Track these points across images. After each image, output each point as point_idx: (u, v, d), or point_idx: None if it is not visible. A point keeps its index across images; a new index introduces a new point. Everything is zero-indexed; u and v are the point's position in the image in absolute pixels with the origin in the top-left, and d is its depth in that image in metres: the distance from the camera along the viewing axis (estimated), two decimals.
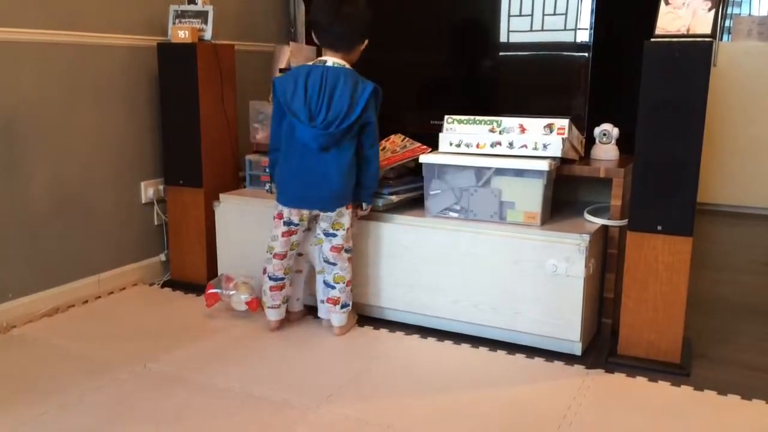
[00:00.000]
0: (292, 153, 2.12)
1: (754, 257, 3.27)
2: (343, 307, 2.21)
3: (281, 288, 2.23)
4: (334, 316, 2.22)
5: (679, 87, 1.86)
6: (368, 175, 2.17)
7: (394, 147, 2.41)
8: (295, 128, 2.08)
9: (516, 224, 2.14)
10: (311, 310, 2.34)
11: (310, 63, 2.16)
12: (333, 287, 2.20)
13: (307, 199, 2.15)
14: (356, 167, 2.14)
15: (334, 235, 2.16)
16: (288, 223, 2.18)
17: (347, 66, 2.13)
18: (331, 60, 2.12)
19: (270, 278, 2.22)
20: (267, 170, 2.38)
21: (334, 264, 2.18)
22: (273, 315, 2.26)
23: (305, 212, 2.17)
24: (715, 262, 3.16)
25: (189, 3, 2.68)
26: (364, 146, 2.14)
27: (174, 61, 2.61)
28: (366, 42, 2.18)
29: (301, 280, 2.33)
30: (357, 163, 2.14)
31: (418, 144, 2.36)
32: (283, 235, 2.18)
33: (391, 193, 2.29)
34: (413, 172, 2.38)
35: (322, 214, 2.16)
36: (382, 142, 2.48)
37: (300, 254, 2.29)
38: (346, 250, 2.19)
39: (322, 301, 2.26)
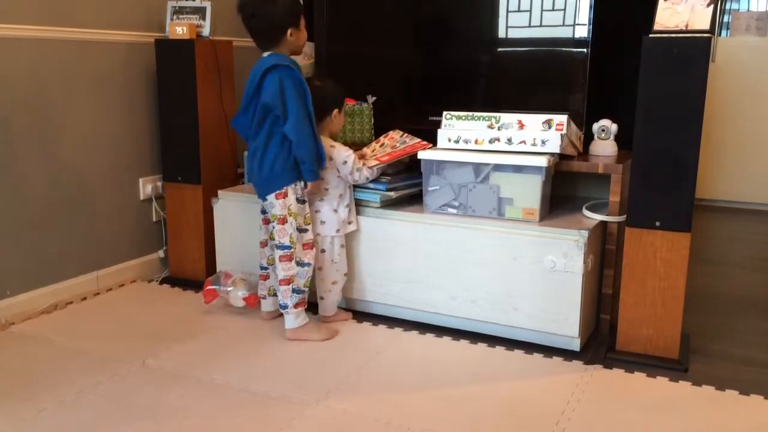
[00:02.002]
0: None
1: (752, 253, 3.28)
2: (280, 306, 2.16)
3: (266, 278, 2.30)
4: (285, 316, 2.18)
5: (678, 83, 1.86)
6: (295, 151, 2.09)
7: (393, 143, 2.40)
8: None
9: (514, 220, 2.14)
10: (312, 307, 2.33)
11: None
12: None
13: (254, 186, 2.21)
14: (279, 151, 2.09)
15: (273, 227, 2.15)
16: (261, 212, 2.26)
17: (273, 53, 2.10)
18: (266, 53, 2.13)
19: (259, 267, 2.31)
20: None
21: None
22: (261, 305, 2.32)
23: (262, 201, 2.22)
24: (712, 257, 3.16)
25: None
26: (283, 126, 2.08)
27: (172, 58, 2.60)
28: (290, 32, 2.09)
29: None
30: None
31: (418, 140, 2.36)
32: (262, 223, 2.27)
33: (390, 189, 2.29)
34: (412, 168, 2.38)
35: (265, 204, 2.18)
36: (381, 138, 2.47)
37: None
38: (278, 246, 2.13)
39: (321, 297, 2.29)
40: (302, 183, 2.14)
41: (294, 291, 2.14)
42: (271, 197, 2.12)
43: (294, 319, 2.15)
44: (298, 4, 2.14)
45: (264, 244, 2.28)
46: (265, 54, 2.11)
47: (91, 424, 1.67)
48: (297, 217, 2.13)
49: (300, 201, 2.14)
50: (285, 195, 2.11)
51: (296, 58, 2.18)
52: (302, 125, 2.06)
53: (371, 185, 2.28)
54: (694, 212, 1.94)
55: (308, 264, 2.18)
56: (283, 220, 2.11)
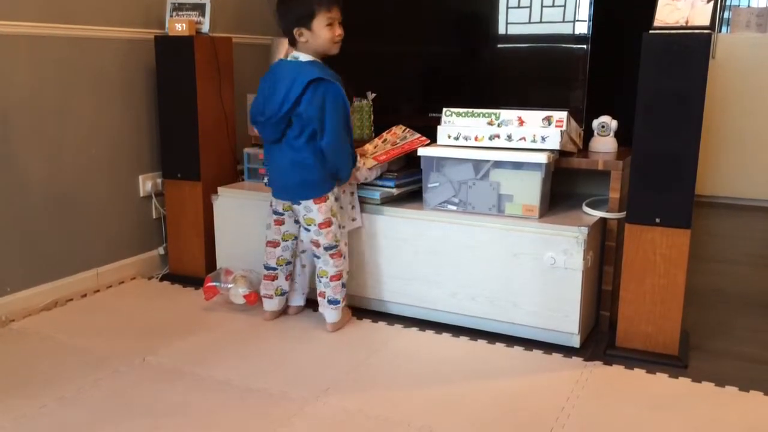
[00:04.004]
0: (265, 146, 2.22)
1: (752, 249, 3.28)
2: (330, 302, 2.19)
3: (273, 278, 2.27)
4: (325, 311, 2.21)
5: (678, 79, 1.85)
6: (330, 165, 2.10)
7: (395, 138, 2.40)
8: None
9: (514, 217, 2.14)
10: (312, 304, 2.33)
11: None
12: (319, 280, 2.21)
13: (279, 189, 2.20)
14: (318, 160, 2.09)
15: (308, 230, 2.17)
16: (275, 212, 2.24)
17: (303, 57, 2.08)
18: (291, 54, 2.13)
19: (264, 266, 2.28)
20: (264, 163, 2.40)
21: (318, 257, 2.20)
22: (265, 305, 2.31)
23: (286, 202, 2.20)
24: (712, 254, 3.16)
25: None
26: (318, 140, 2.08)
27: (171, 54, 2.60)
28: (296, 31, 2.05)
29: (306, 275, 2.33)
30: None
31: (418, 135, 2.35)
32: (274, 224, 2.25)
33: (397, 186, 2.29)
34: (411, 165, 2.38)
35: (294, 206, 2.17)
36: (383, 134, 2.47)
37: (303, 251, 2.30)
38: (326, 248, 2.16)
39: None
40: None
41: (342, 285, 2.20)
42: (308, 203, 2.13)
43: (339, 312, 2.21)
44: (308, 5, 2.04)
45: (275, 245, 2.26)
46: (299, 56, 2.09)
47: (91, 421, 1.67)
48: (337, 215, 2.18)
49: (336, 199, 2.18)
50: (326, 200, 2.13)
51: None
52: (339, 143, 2.09)
53: (377, 182, 2.28)
54: (694, 209, 1.94)
55: (346, 256, 2.24)
56: (328, 224, 2.14)
